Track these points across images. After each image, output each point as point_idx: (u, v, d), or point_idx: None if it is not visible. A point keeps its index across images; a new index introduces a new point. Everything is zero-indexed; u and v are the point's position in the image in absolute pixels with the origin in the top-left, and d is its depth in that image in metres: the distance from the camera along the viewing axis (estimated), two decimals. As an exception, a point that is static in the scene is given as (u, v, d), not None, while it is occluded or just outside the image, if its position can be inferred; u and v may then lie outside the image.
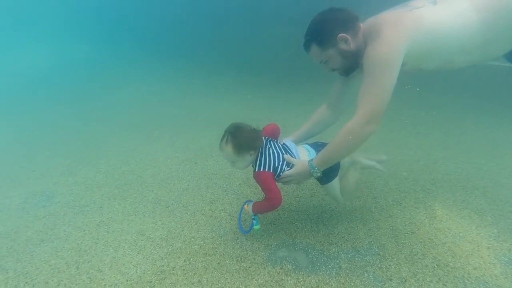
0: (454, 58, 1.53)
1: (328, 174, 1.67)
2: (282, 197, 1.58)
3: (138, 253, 1.79)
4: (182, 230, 1.97)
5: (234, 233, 1.91)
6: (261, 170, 1.59)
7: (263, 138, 1.66)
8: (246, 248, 1.78)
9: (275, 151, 1.65)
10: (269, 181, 1.57)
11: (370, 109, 1.39)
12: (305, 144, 1.83)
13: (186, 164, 2.82)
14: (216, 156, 2.90)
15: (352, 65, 1.60)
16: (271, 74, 5.86)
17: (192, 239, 1.89)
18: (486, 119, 3.50)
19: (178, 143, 3.25)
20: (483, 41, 1.45)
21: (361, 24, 1.54)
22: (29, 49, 9.39)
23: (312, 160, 1.59)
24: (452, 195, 2.19)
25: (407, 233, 1.84)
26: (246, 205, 1.72)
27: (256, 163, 1.61)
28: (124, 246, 1.85)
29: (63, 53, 9.01)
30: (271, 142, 1.70)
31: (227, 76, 6.09)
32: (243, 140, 1.54)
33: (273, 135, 1.73)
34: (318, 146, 1.75)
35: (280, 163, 1.62)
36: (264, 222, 1.99)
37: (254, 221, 1.71)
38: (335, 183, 1.75)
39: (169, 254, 1.77)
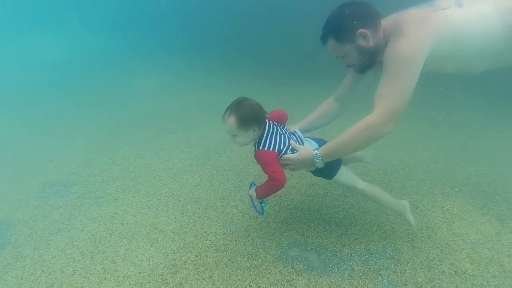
0: (475, 63, 1.50)
1: (330, 167, 1.60)
2: (287, 180, 1.48)
3: (151, 246, 1.82)
4: (194, 225, 1.98)
5: (245, 230, 1.91)
6: (265, 149, 1.51)
7: (270, 122, 1.60)
8: (257, 246, 1.78)
9: (281, 134, 1.58)
10: (272, 160, 1.49)
11: (390, 107, 1.33)
12: (308, 138, 1.76)
13: (199, 159, 2.83)
14: (229, 152, 2.90)
15: (369, 62, 1.56)
16: (286, 69, 5.80)
17: (204, 234, 1.89)
18: (509, 121, 3.35)
19: (191, 138, 3.26)
20: (504, 47, 1.41)
21: (382, 21, 1.50)
22: (44, 41, 9.59)
23: (317, 149, 1.52)
24: (472, 199, 2.11)
25: (423, 237, 1.79)
26: (250, 191, 1.65)
27: (260, 142, 1.54)
28: (137, 239, 1.88)
29: (79, 45, 9.17)
30: (278, 126, 1.62)
31: (241, 70, 6.07)
32: (248, 112, 1.45)
33: (280, 120, 1.67)
34: (323, 142, 1.69)
35: (285, 147, 1.54)
36: (276, 220, 1.98)
37: (263, 204, 1.63)
38: (343, 172, 1.67)
39: (181, 248, 1.78)
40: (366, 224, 1.90)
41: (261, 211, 1.64)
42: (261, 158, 1.50)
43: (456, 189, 2.22)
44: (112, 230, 1.95)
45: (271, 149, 1.51)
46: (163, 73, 6.10)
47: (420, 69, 1.34)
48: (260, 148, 1.52)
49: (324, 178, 1.70)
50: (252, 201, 1.71)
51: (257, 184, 1.60)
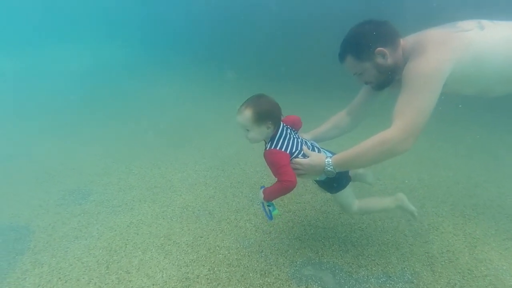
0: (494, 86, 1.48)
1: (339, 180, 1.58)
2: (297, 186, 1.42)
3: (164, 257, 1.82)
4: (208, 238, 1.98)
5: (258, 246, 1.89)
6: (277, 149, 1.47)
7: (284, 124, 1.57)
8: (270, 263, 1.75)
9: (295, 138, 1.54)
10: (284, 161, 1.44)
11: (409, 124, 1.31)
12: (323, 148, 1.73)
13: (214, 171, 2.85)
14: (243, 165, 2.91)
15: (386, 80, 1.56)
16: (301, 82, 5.81)
17: (217, 248, 1.89)
18: (535, 141, 3.22)
19: (206, 149, 3.30)
20: None
21: (401, 40, 1.50)
22: (72, 51, 10.03)
23: (330, 157, 1.48)
24: (494, 223, 2.02)
25: (444, 261, 1.72)
26: (259, 194, 1.57)
27: (272, 141, 1.50)
28: (151, 249, 1.89)
29: (101, 54, 9.52)
30: (292, 130, 1.59)
31: (258, 81, 6.13)
32: (265, 107, 1.43)
33: (294, 126, 1.63)
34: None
35: (297, 151, 1.50)
36: (290, 237, 1.95)
37: (271, 208, 1.56)
38: (347, 192, 1.64)
39: (194, 261, 1.78)
40: (384, 245, 1.85)
41: (270, 215, 1.58)
42: (272, 157, 1.46)
43: (478, 212, 2.14)
44: (127, 240, 1.98)
45: (282, 150, 1.47)
46: (182, 83, 6.23)
47: (440, 89, 1.33)
48: (272, 147, 1.48)
49: (327, 191, 1.67)
50: (263, 206, 1.65)
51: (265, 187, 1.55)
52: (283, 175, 1.41)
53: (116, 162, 3.02)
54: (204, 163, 3.00)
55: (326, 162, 1.45)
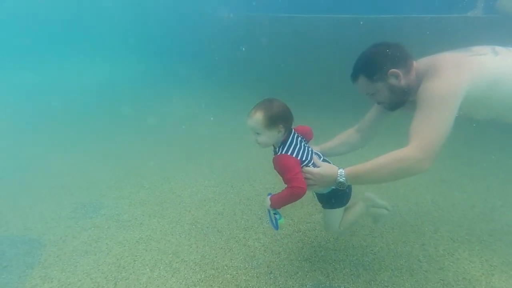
0: (507, 113, 1.47)
1: (340, 198, 1.55)
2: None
3: (172, 275, 1.81)
4: (216, 257, 1.96)
5: (267, 266, 1.86)
6: (288, 154, 1.42)
7: (296, 132, 1.53)
8: (279, 285, 1.72)
9: (306, 146, 1.51)
10: (295, 166, 1.39)
11: (427, 144, 1.27)
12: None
13: (223, 186, 2.85)
14: (252, 181, 2.90)
15: (400, 101, 1.56)
16: (313, 99, 5.83)
17: (225, 267, 1.87)
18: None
19: (216, 164, 3.31)
20: None
21: (414, 62, 1.50)
22: (84, 64, 10.33)
23: (343, 168, 1.43)
24: (514, 250, 1.94)
25: (460, 290, 1.65)
26: (266, 202, 1.51)
27: (282, 146, 1.45)
28: (159, 267, 1.88)
29: (115, 68, 9.76)
30: (303, 139, 1.54)
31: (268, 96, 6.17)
32: (277, 111, 1.39)
33: (305, 136, 1.59)
34: None
35: (307, 160, 1.45)
36: (299, 258, 1.92)
37: (277, 216, 1.50)
38: (340, 212, 1.62)
39: (202, 281, 1.76)
40: (397, 270, 1.79)
41: (276, 225, 1.52)
42: (283, 162, 1.41)
43: (495, 238, 2.06)
44: (136, 256, 1.98)
45: (294, 155, 1.43)
46: (192, 97, 6.33)
47: (456, 110, 1.31)
48: (283, 152, 1.44)
49: (323, 205, 1.65)
50: (269, 214, 1.59)
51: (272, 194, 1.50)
52: (294, 181, 1.35)
53: (128, 176, 3.06)
54: (214, 178, 3.01)
55: (339, 173, 1.40)
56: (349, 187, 1.58)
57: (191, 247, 2.05)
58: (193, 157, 3.51)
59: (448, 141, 1.31)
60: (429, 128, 1.29)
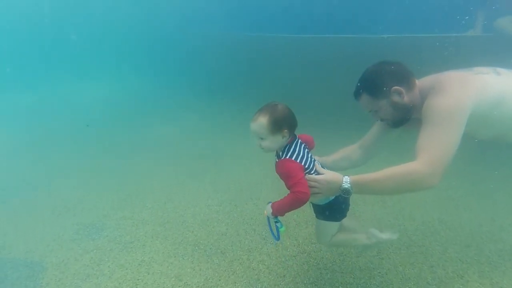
0: (509, 133, 1.48)
1: (334, 212, 1.52)
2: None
3: (175, 300, 1.77)
4: (219, 280, 1.92)
5: (272, 290, 1.82)
6: (293, 159, 1.39)
7: (299, 140, 1.50)
8: (285, 310, 1.67)
9: (309, 153, 1.48)
10: (299, 171, 1.35)
11: (436, 159, 1.24)
12: None
13: (226, 206, 2.82)
14: (255, 200, 2.88)
15: (403, 118, 1.56)
16: (318, 113, 5.85)
17: (229, 291, 1.83)
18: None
19: (219, 183, 3.29)
20: None
21: (416, 81, 1.52)
22: (86, 84, 10.38)
23: (348, 176, 1.38)
24: (525, 272, 1.89)
25: (472, 316, 1.60)
26: (266, 210, 1.46)
27: (286, 151, 1.41)
28: (162, 291, 1.84)
29: (118, 88, 9.86)
30: (306, 147, 1.51)
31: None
32: (282, 115, 1.36)
33: (307, 145, 1.55)
34: None
35: (310, 167, 1.42)
36: (305, 282, 1.87)
37: (278, 224, 1.45)
38: (332, 226, 1.58)
39: (206, 306, 1.72)
40: (405, 294, 1.75)
41: (277, 235, 1.47)
42: (287, 167, 1.37)
43: (504, 258, 2.01)
44: (138, 280, 1.94)
45: (298, 161, 1.40)
46: (194, 117, 6.37)
47: (463, 127, 1.30)
48: (287, 157, 1.40)
49: (316, 215, 1.61)
50: (269, 224, 1.53)
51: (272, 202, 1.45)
52: (298, 186, 1.31)
53: (130, 196, 3.05)
54: (217, 197, 2.99)
55: (344, 180, 1.36)
56: (346, 204, 1.55)
57: (194, 269, 2.02)
58: (196, 175, 3.50)
59: (453, 158, 1.29)
60: (437, 144, 1.27)
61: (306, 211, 2.58)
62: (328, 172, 1.43)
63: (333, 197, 1.49)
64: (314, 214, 1.66)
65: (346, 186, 1.34)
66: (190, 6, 8.33)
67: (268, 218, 1.47)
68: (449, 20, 3.28)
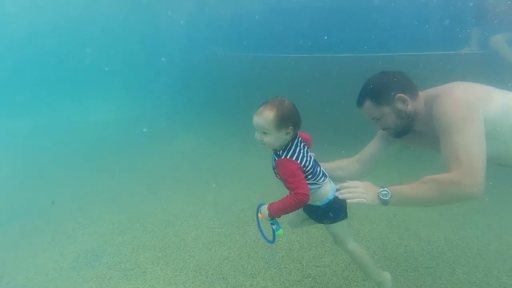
0: (508, 154, 1.43)
1: (337, 210, 1.44)
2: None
3: (176, 332, 1.71)
4: (222, 308, 1.86)
5: (277, 319, 1.76)
6: (293, 159, 1.33)
7: (300, 139, 1.43)
8: None
9: (309, 153, 1.42)
10: (300, 172, 1.31)
11: (469, 167, 1.19)
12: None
13: (228, 228, 2.78)
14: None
15: (406, 127, 1.54)
16: (322, 128, 5.85)
17: (232, 321, 1.77)
18: None
19: (220, 204, 3.26)
20: None
21: (419, 92, 1.52)
22: (85, 105, 10.41)
23: (382, 186, 1.33)
24: (538, 294, 1.83)
25: None
26: (260, 214, 1.38)
27: (287, 150, 1.35)
28: (163, 322, 1.78)
29: (111, 110, 9.85)
30: (305, 146, 1.45)
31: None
32: (289, 111, 1.31)
33: (305, 143, 1.48)
34: None
35: (310, 167, 1.37)
36: (311, 308, 1.82)
37: (274, 226, 1.37)
38: (343, 225, 1.51)
39: (208, 338, 1.66)
40: (414, 321, 1.68)
41: (272, 238, 1.39)
42: (288, 167, 1.31)
43: (516, 279, 1.95)
44: (138, 310, 1.89)
45: (298, 161, 1.35)
46: (190, 136, 6.37)
47: (482, 125, 1.26)
48: (288, 157, 1.34)
49: (319, 221, 1.53)
50: (259, 226, 1.48)
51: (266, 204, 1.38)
52: (299, 188, 1.27)
53: (131, 219, 3.01)
54: (219, 219, 2.95)
55: (381, 189, 1.32)
56: (344, 201, 1.45)
57: (196, 297, 1.97)
58: (197, 196, 3.47)
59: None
60: (463, 151, 1.22)
61: (310, 232, 2.56)
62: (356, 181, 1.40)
63: (332, 196, 1.43)
64: (317, 221, 1.57)
65: (385, 198, 1.30)
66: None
67: (259, 220, 1.41)
68: (444, 38, 3.35)
